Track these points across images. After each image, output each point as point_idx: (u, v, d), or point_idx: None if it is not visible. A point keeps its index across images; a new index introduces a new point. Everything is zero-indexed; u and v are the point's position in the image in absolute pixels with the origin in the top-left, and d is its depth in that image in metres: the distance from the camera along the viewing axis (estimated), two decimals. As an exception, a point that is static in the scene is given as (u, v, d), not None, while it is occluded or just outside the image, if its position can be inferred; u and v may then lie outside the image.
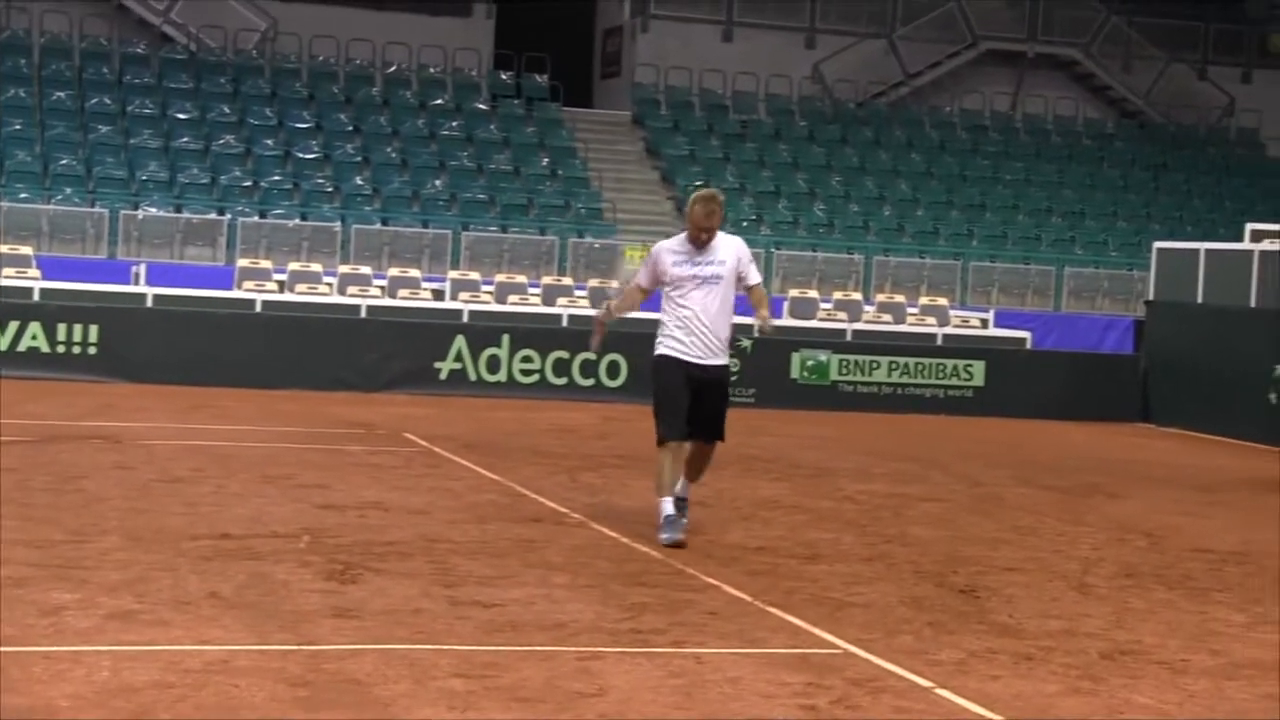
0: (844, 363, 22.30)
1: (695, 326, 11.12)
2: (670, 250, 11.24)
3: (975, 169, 36.89)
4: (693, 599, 9.36)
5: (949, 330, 24.83)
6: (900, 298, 27.22)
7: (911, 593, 9.91)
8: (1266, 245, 22.33)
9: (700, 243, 11.13)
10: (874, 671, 7.92)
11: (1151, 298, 24.06)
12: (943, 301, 27.43)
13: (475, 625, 8.39)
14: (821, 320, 24.59)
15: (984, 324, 26.12)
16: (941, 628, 8.96)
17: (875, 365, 22.41)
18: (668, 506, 11.12)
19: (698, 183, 34.00)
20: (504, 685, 7.29)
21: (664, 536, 10.96)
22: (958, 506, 13.84)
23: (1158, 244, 24.78)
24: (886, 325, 24.82)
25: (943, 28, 39.21)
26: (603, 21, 39.76)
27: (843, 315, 24.77)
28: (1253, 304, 21.59)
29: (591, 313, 23.56)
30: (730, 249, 11.22)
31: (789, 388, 21.96)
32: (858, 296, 27.13)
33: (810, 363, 22.13)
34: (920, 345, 23.47)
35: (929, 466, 16.55)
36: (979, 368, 22.79)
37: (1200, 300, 22.59)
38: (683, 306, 11.12)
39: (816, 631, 8.72)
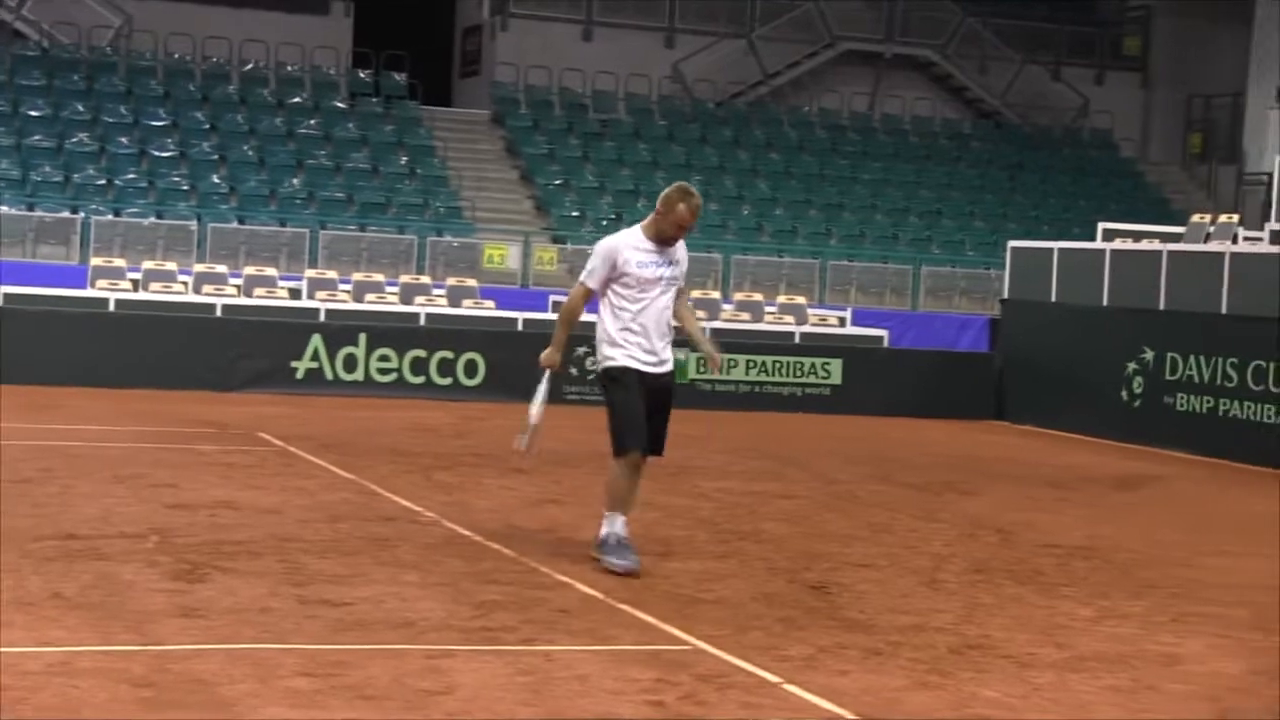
0: (702, 361, 22.30)
1: (654, 333, 10.29)
2: (634, 248, 10.21)
3: (834, 168, 37.15)
4: (544, 597, 9.33)
5: (807, 329, 24.95)
6: (759, 296, 27.33)
7: (763, 589, 9.94)
8: (1118, 244, 22.67)
9: (669, 242, 10.23)
10: (723, 667, 7.93)
11: (1006, 296, 24.35)
12: (801, 300, 27.56)
13: (323, 624, 8.30)
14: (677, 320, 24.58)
15: (842, 322, 26.29)
16: (792, 624, 9.00)
17: (733, 364, 22.49)
18: (620, 526, 10.27)
19: (556, 182, 34.02)
20: (350, 684, 7.22)
21: (619, 563, 10.06)
22: (813, 504, 13.91)
23: (1012, 243, 25.08)
24: (745, 324, 24.90)
25: (801, 28, 39.44)
26: (462, 20, 39.61)
27: (701, 314, 24.74)
28: (1105, 302, 21.89)
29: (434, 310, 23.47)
30: (683, 249, 10.40)
31: (648, 386, 21.93)
32: (716, 295, 27.22)
33: (669, 361, 22.12)
34: (778, 344, 23.57)
35: (785, 464, 16.63)
36: (836, 366, 22.95)
37: (1054, 299, 22.89)
38: (644, 311, 10.21)
39: (667, 628, 8.72)
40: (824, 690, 7.60)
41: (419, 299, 24.23)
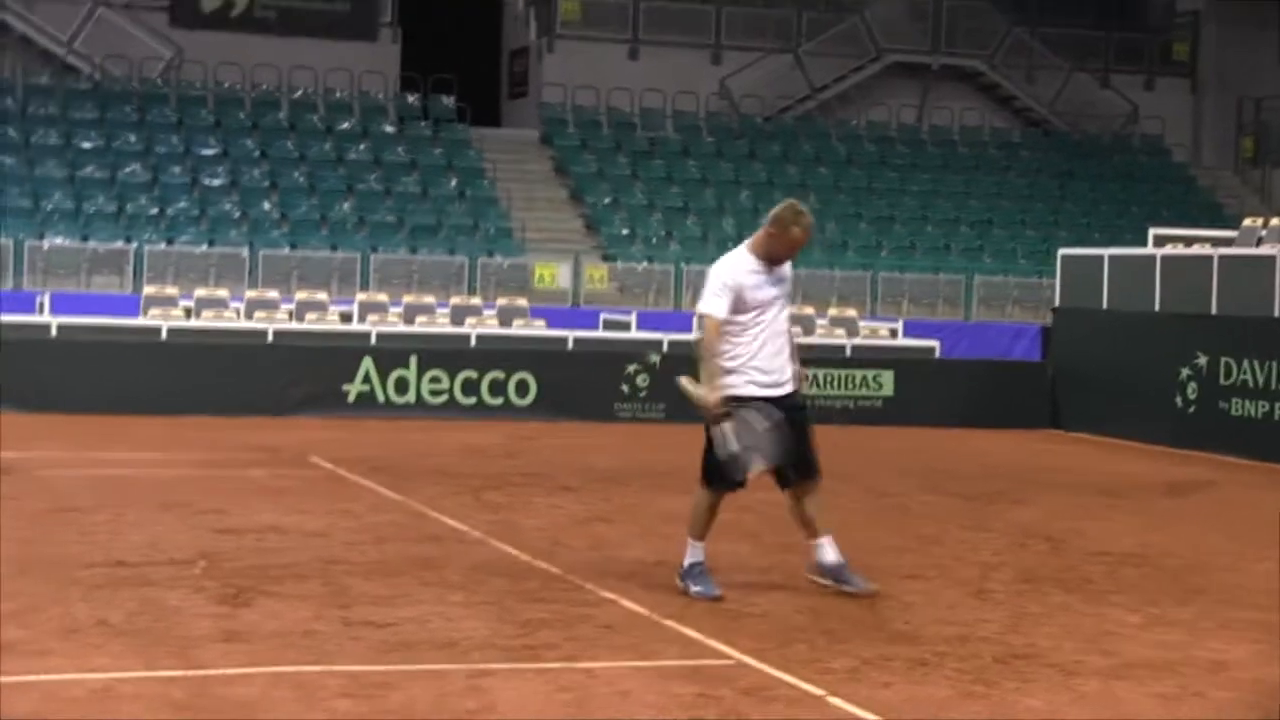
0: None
1: (773, 353, 9.94)
2: (748, 271, 9.86)
3: (883, 181, 37.08)
4: (589, 614, 9.34)
5: (858, 341, 24.89)
6: (810, 310, 27.28)
7: (808, 602, 9.91)
8: (1169, 250, 22.54)
9: (779, 262, 9.96)
10: (765, 681, 7.92)
11: (1058, 304, 24.23)
12: (852, 313, 27.52)
13: (367, 645, 8.33)
14: (731, 335, 24.56)
15: (893, 334, 26.22)
16: (836, 636, 8.98)
17: (785, 378, 22.43)
18: (700, 553, 10.11)
19: (606, 200, 34.07)
20: (392, 705, 7.24)
21: (700, 590, 9.95)
22: (862, 515, 13.86)
23: (1063, 251, 24.98)
24: (797, 338, 24.84)
25: (847, 41, 39.42)
26: (509, 43, 39.76)
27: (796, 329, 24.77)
28: (1157, 308, 21.76)
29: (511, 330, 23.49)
30: (788, 264, 10.10)
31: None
32: (767, 310, 27.16)
33: (720, 377, 22.11)
34: (830, 357, 23.51)
35: (836, 477, 16.39)
36: (888, 378, 22.88)
37: (1105, 306, 22.77)
38: (762, 332, 9.86)
39: (711, 643, 8.71)
40: (867, 702, 7.57)
41: (470, 320, 24.31)
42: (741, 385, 9.86)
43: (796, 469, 10.06)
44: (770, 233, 9.88)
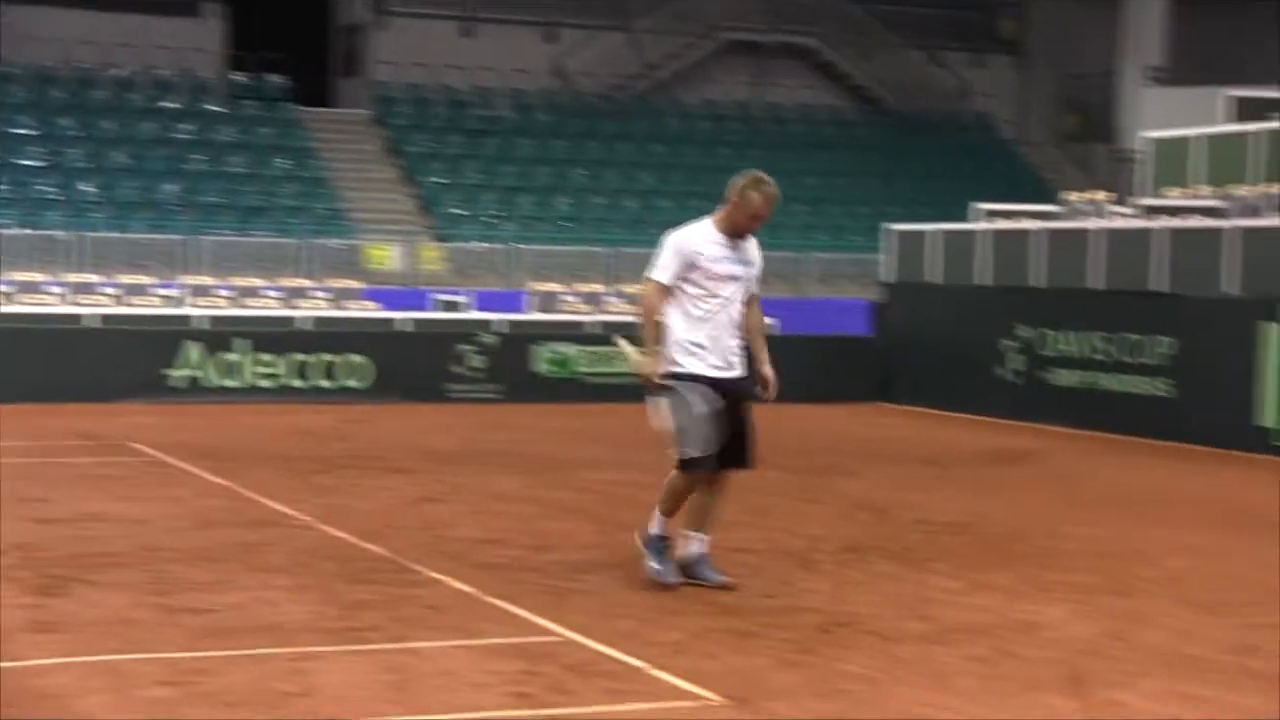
0: (588, 355, 22.35)
1: (727, 337, 9.42)
2: (708, 240, 9.41)
3: (718, 159, 37.19)
4: (415, 594, 9.30)
5: (692, 318, 24.99)
6: (644, 288, 27.34)
7: (637, 578, 9.94)
8: (994, 224, 22.88)
9: (742, 235, 9.50)
10: (590, 657, 7.94)
11: (887, 279, 24.51)
12: (687, 290, 27.62)
13: (187, 632, 8.23)
14: (566, 313, 24.63)
15: (727, 311, 26.36)
16: (663, 610, 9.02)
17: (623, 356, 22.46)
18: (661, 526, 9.63)
19: (439, 180, 33.90)
20: (210, 690, 7.16)
21: (655, 567, 9.53)
22: (693, 491, 13.91)
23: (891, 226, 25.25)
24: (630, 316, 24.89)
25: (682, 19, 39.58)
26: (340, 20, 39.41)
27: (587, 308, 24.85)
28: (982, 282, 22.09)
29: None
30: (756, 250, 9.60)
31: (534, 382, 21.95)
32: (601, 288, 27.22)
33: (554, 356, 22.15)
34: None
35: (668, 454, 16.62)
36: (722, 354, 22.97)
37: (933, 280, 23.07)
38: (718, 312, 9.39)
39: (537, 620, 8.71)
40: (690, 674, 7.62)
41: (301, 302, 24.08)
42: (688, 362, 9.38)
43: (722, 459, 9.57)
44: (732, 203, 9.48)
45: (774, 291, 31.64)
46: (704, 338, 9.37)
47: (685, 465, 9.53)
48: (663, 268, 9.44)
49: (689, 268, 9.36)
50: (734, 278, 9.41)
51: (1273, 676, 7.84)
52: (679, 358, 9.39)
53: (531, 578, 9.87)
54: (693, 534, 9.70)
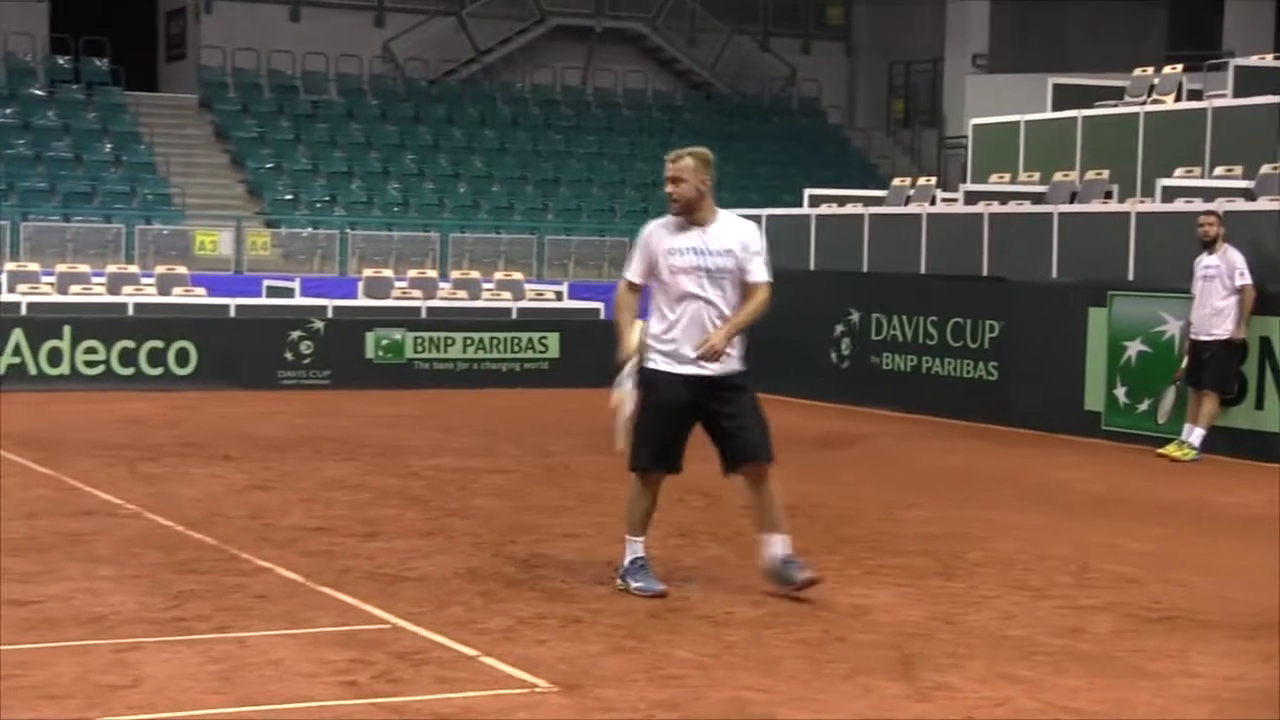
0: (419, 340, 22.23)
1: (699, 331, 9.02)
2: (665, 232, 9.01)
3: (549, 144, 37.25)
4: (243, 583, 9.19)
5: (524, 304, 24.95)
6: (476, 274, 27.26)
7: (468, 564, 9.92)
8: (823, 210, 23.07)
9: (691, 220, 8.99)
10: (420, 644, 7.90)
11: (718, 264, 24.59)
12: (518, 276, 27.57)
13: (8, 624, 8.06)
14: (397, 299, 24.46)
15: (559, 296, 26.33)
16: (493, 597, 8.99)
17: (450, 342, 22.40)
18: (641, 549, 9.27)
19: (268, 165, 33.51)
20: (33, 683, 7.02)
21: (642, 587, 9.10)
22: (525, 477, 13.92)
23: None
24: (462, 301, 24.81)
25: (511, 4, 39.47)
26: (164, 3, 38.78)
27: (418, 293, 24.67)
28: (812, 267, 22.27)
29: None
30: (737, 235, 9.06)
31: (364, 368, 21.78)
32: (433, 274, 27.07)
33: (385, 342, 22.00)
34: (496, 320, 23.53)
35: (500, 439, 16.62)
36: (554, 340, 22.99)
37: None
38: (683, 309, 9.01)
39: (367, 608, 8.65)
40: (520, 660, 7.61)
41: (127, 289, 23.63)
42: (658, 360, 9.08)
43: (729, 459, 9.46)
44: None
45: (605, 276, 31.73)
46: (676, 334, 9.00)
47: (632, 468, 9.37)
48: (632, 264, 9.14)
49: (653, 263, 8.99)
50: (697, 269, 8.94)
51: (1098, 658, 7.99)
52: (650, 354, 9.10)
53: (361, 565, 9.80)
54: (765, 536, 9.25)
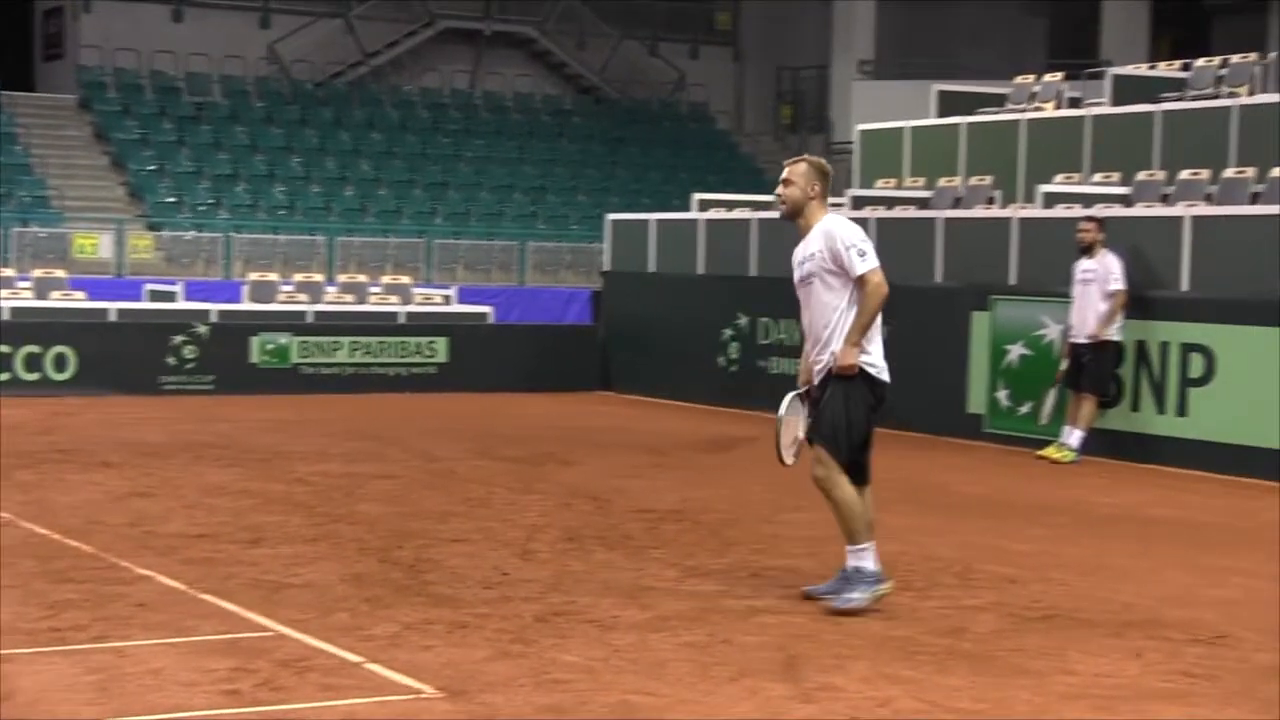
0: (305, 345, 22.06)
1: (810, 334, 9.22)
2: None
3: (437, 147, 37.10)
4: (123, 592, 9.06)
5: (412, 308, 24.83)
6: (363, 278, 27.10)
7: (353, 570, 9.84)
8: (712, 214, 23.14)
9: (795, 221, 9.18)
10: (304, 651, 7.83)
11: (607, 268, 24.64)
12: (406, 280, 27.44)
13: (-121, 636, 7.91)
14: (282, 303, 24.26)
15: (447, 300, 26.24)
16: (379, 603, 8.93)
17: (337, 346, 22.26)
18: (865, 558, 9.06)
19: (150, 167, 33.12)
20: (-96, 696, 6.89)
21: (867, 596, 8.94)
22: (411, 482, 13.84)
23: (611, 216, 25.38)
24: (349, 306, 24.66)
25: (399, 7, 39.29)
26: (41, 2, 38.22)
27: (304, 297, 24.49)
28: (700, 271, 22.32)
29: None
30: (824, 238, 8.99)
31: (249, 373, 21.59)
32: (320, 278, 26.88)
33: (270, 347, 21.82)
34: (383, 324, 23.40)
35: (387, 444, 16.53)
36: (442, 344, 22.90)
37: (653, 269, 23.24)
38: (804, 309, 9.24)
39: (250, 615, 8.56)
40: (406, 667, 7.56)
41: (3, 292, 23.27)
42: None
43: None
44: None
45: (494, 280, 31.68)
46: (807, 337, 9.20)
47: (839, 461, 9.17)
48: None
49: None
50: (799, 279, 9.15)
51: (980, 656, 8.06)
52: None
53: (245, 572, 9.70)
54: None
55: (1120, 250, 16.10)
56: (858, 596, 8.83)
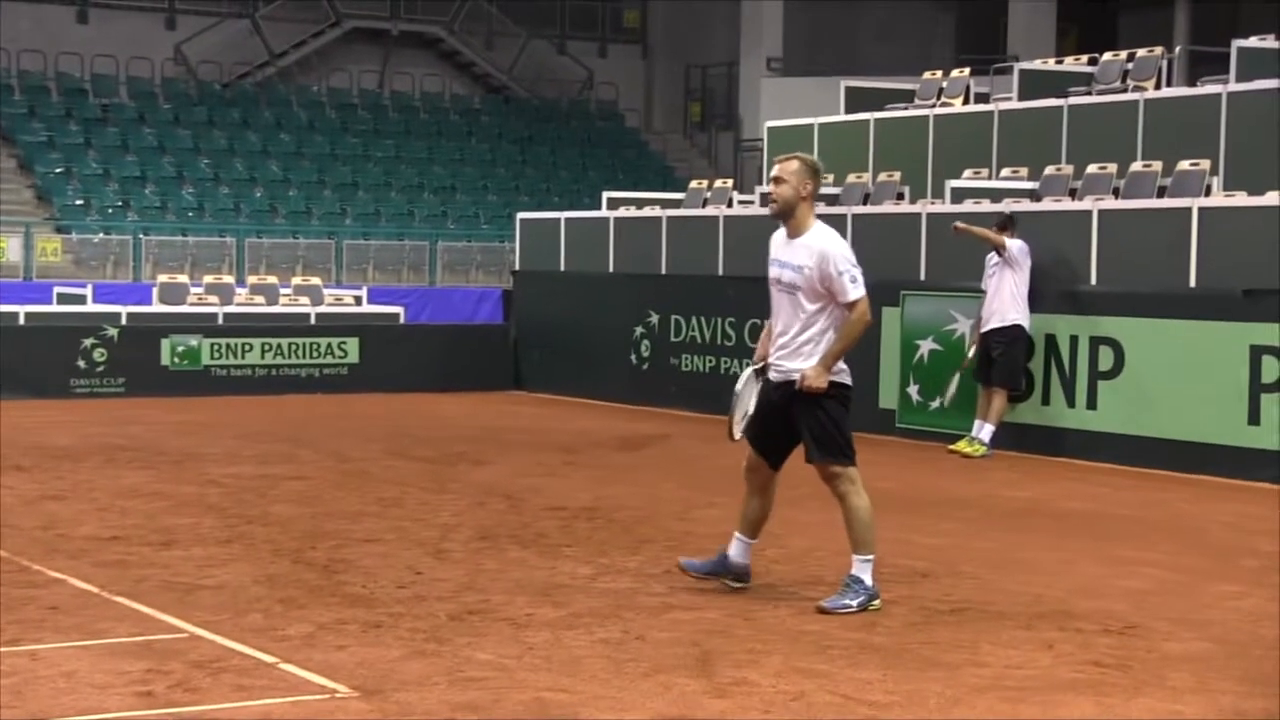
0: (216, 346, 21.95)
1: (777, 340, 9.12)
2: (775, 242, 9.16)
3: (346, 148, 36.97)
4: (34, 594, 9.02)
5: (323, 309, 24.74)
6: (273, 279, 26.96)
7: (267, 571, 9.83)
8: (621, 212, 23.19)
9: (789, 229, 9.03)
10: (218, 652, 7.82)
11: (518, 268, 24.65)
12: (317, 281, 27.33)
13: None
14: (192, 305, 24.10)
15: (358, 301, 26.16)
16: (293, 603, 8.93)
17: (248, 348, 22.15)
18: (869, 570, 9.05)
19: (57, 170, 32.83)
20: None
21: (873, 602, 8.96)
22: (324, 483, 13.81)
23: (521, 215, 25.40)
24: (260, 307, 24.53)
25: (306, 7, 39.12)
26: (-53, 4, 37.82)
27: (214, 299, 24.33)
28: (611, 269, 22.37)
29: None
30: (814, 251, 8.89)
31: (160, 375, 21.46)
32: (230, 279, 26.73)
33: (181, 348, 21.69)
34: (293, 325, 23.30)
35: (299, 446, 16.48)
36: (353, 345, 22.83)
37: (563, 268, 23.27)
38: (775, 313, 9.15)
39: (163, 617, 8.54)
40: (320, 666, 7.57)
41: (-91, 297, 23.06)
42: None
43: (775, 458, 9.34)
44: None
45: (405, 281, 31.61)
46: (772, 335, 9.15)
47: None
48: None
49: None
50: (774, 280, 9.03)
51: (892, 650, 8.14)
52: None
53: (157, 575, 9.67)
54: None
55: (1035, 248, 16.27)
56: (850, 603, 8.83)
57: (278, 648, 7.90)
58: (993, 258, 16.28)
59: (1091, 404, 16.12)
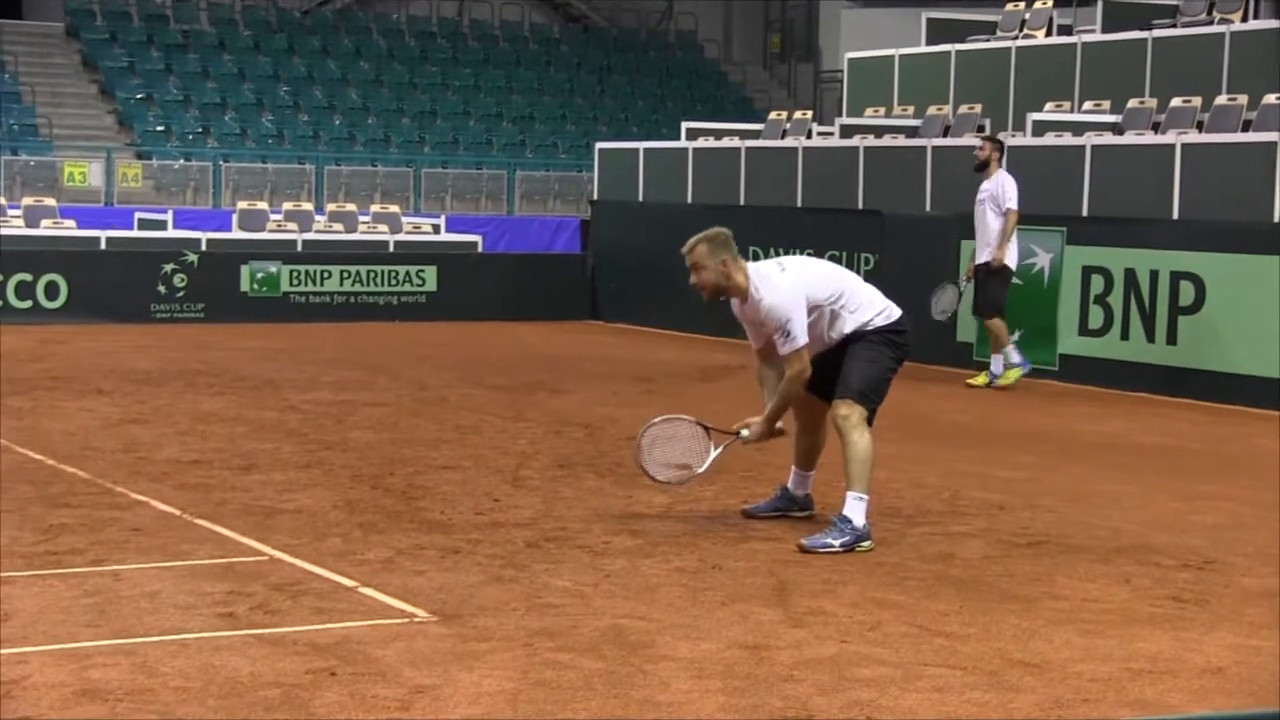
0: (295, 273, 22.07)
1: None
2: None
3: (425, 76, 36.97)
4: (118, 517, 9.13)
5: (401, 237, 24.82)
6: (352, 206, 27.06)
7: (345, 496, 9.91)
8: (700, 143, 23.12)
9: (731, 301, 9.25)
10: (298, 575, 7.90)
11: (596, 198, 24.63)
12: (395, 209, 27.40)
13: (-124, 560, 7.96)
14: (272, 232, 24.22)
15: (436, 230, 26.23)
16: (372, 528, 9.00)
17: (327, 275, 22.26)
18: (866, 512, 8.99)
19: (138, 96, 33.01)
20: (-97, 619, 6.95)
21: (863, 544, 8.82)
22: (402, 410, 13.89)
23: (600, 145, 25.35)
24: (338, 234, 24.64)
25: (387, -66, 39.06)
26: (29, -71, 38.00)
27: (293, 226, 24.45)
28: (689, 200, 22.32)
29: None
30: (760, 308, 8.99)
31: (239, 301, 21.61)
32: (309, 207, 26.85)
33: (260, 275, 21.82)
34: (372, 253, 23.40)
35: (377, 373, 16.56)
36: (431, 273, 22.90)
37: (641, 199, 23.24)
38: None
39: (244, 540, 8.63)
40: (399, 590, 7.63)
41: (-6, 221, 23.29)
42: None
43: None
44: None
45: (482, 210, 31.65)
46: None
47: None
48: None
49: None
50: (760, 345, 9.22)
51: (968, 582, 8.13)
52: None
53: (238, 498, 9.77)
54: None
55: (1121, 180, 16.12)
56: (832, 543, 8.65)
57: (357, 572, 7.97)
58: (982, 185, 16.14)
59: (1171, 339, 15.98)
